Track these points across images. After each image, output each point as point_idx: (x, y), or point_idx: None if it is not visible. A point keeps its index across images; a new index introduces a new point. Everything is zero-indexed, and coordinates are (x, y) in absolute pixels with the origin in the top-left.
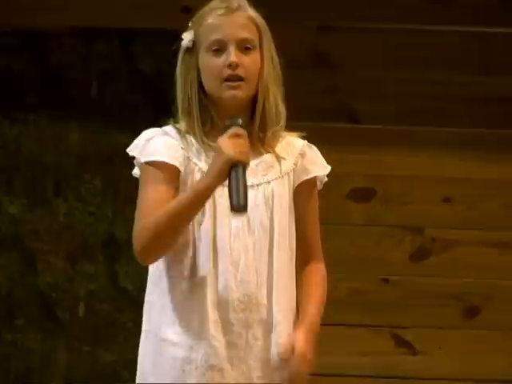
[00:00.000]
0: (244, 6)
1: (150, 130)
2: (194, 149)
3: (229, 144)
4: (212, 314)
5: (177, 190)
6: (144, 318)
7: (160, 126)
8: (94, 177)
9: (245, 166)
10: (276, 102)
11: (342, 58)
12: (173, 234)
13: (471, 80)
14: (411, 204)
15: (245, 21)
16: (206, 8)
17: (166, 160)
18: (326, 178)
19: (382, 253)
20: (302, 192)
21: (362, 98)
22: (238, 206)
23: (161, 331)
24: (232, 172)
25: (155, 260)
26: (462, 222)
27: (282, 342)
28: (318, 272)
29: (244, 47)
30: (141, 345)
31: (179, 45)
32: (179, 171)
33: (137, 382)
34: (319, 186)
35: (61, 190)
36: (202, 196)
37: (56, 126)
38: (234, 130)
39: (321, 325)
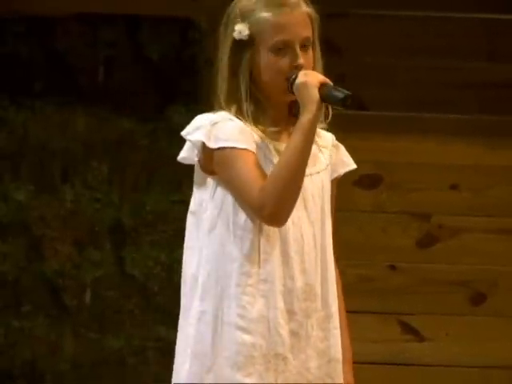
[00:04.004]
0: (300, 1)
1: (206, 115)
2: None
3: (307, 75)
4: (279, 302)
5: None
6: (197, 299)
7: (167, 113)
8: (101, 163)
9: (329, 83)
10: None
11: (351, 44)
12: (297, 181)
13: (479, 67)
14: (418, 191)
15: (305, 18)
16: (259, 2)
17: (247, 147)
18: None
19: (388, 239)
20: (334, 185)
21: (371, 85)
22: (345, 95)
23: (223, 313)
24: (322, 89)
25: (288, 216)
26: (469, 208)
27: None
28: (339, 280)
29: (303, 45)
30: (190, 325)
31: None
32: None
33: (186, 362)
34: None
35: (68, 177)
36: (309, 130)
37: (63, 113)
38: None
39: None
